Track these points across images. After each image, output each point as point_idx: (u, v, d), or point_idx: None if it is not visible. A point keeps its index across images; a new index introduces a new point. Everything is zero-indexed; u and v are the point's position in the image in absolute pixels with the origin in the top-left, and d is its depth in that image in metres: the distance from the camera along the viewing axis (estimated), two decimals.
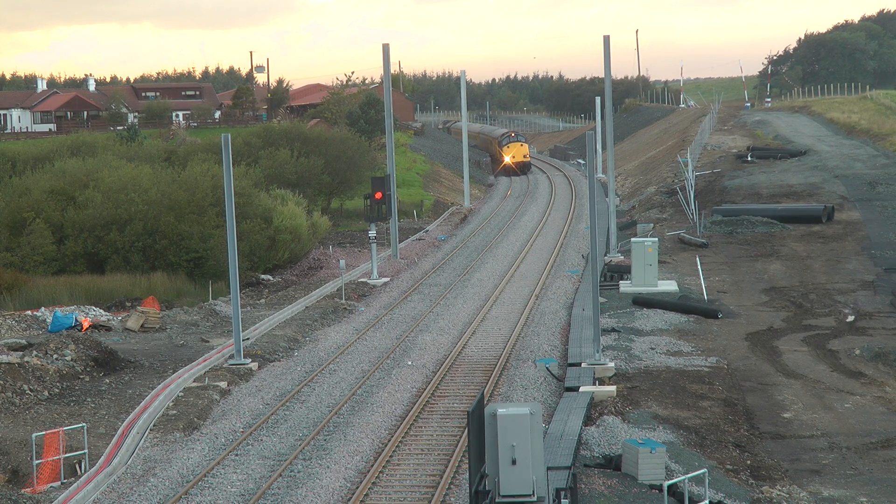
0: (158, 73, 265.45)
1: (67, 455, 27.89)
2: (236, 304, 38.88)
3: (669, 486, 23.88)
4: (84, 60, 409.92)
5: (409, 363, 38.05)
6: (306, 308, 49.15)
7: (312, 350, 41.19)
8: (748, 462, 28.28)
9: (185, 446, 29.72)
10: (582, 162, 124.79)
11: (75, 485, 26.80)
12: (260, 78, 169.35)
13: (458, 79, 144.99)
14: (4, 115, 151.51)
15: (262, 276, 59.45)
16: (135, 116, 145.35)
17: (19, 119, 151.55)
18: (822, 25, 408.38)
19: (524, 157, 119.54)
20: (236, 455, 28.96)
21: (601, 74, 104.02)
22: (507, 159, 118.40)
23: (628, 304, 46.94)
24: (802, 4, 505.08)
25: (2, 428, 30.27)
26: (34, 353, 36.18)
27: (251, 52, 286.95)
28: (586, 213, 77.68)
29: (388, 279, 56.68)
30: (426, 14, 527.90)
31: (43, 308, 48.00)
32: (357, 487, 26.16)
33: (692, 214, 66.83)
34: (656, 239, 53.17)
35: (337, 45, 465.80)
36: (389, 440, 29.65)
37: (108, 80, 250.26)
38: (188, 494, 26.13)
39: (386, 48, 65.14)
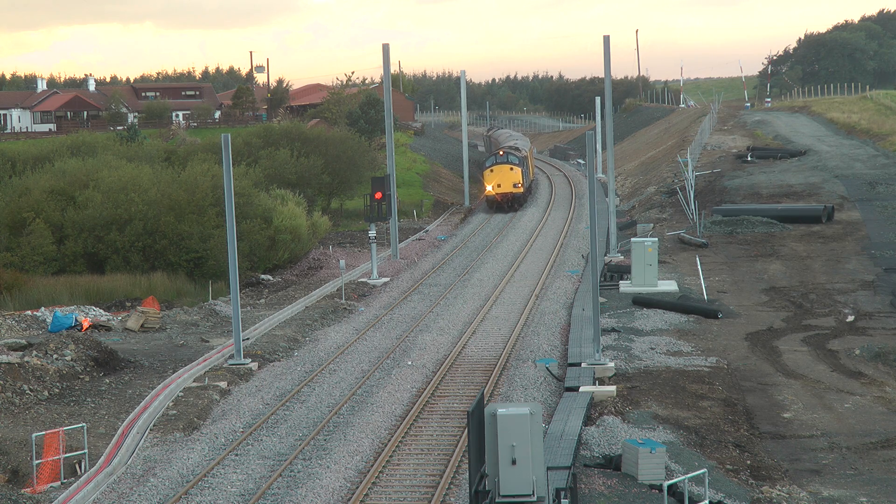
0: (158, 73, 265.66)
1: (67, 455, 27.89)
2: (236, 304, 38.89)
3: (669, 486, 23.88)
4: (85, 60, 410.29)
5: (409, 363, 38.05)
6: (306, 308, 49.16)
7: (312, 350, 41.20)
8: (748, 462, 28.28)
9: (185, 446, 29.72)
10: (582, 162, 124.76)
11: (75, 485, 26.81)
12: (260, 78, 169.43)
13: (458, 79, 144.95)
14: (4, 115, 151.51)
15: (262, 276, 59.44)
16: (135, 116, 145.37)
17: (19, 119, 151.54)
18: (822, 25, 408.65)
19: (514, 186, 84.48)
20: (236, 455, 28.97)
21: (601, 74, 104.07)
22: (489, 188, 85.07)
23: (628, 304, 46.95)
24: (802, 4, 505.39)
25: (2, 428, 30.27)
26: (34, 353, 36.18)
27: (251, 52, 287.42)
28: (586, 213, 77.67)
29: (388, 279, 56.69)
30: (426, 14, 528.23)
31: (43, 308, 48.01)
32: (357, 487, 26.17)
33: (692, 214, 66.84)
34: (656, 239, 53.18)
35: (337, 45, 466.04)
36: (389, 440, 29.65)
37: (108, 80, 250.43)
38: (188, 494, 26.14)
39: (386, 48, 65.17)
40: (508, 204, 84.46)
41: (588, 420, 30.38)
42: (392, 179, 62.39)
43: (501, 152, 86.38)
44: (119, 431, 30.73)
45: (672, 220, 70.23)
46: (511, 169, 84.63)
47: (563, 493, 22.22)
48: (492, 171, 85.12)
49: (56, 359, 35.98)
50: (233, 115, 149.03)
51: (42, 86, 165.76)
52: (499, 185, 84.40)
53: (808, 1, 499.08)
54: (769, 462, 28.60)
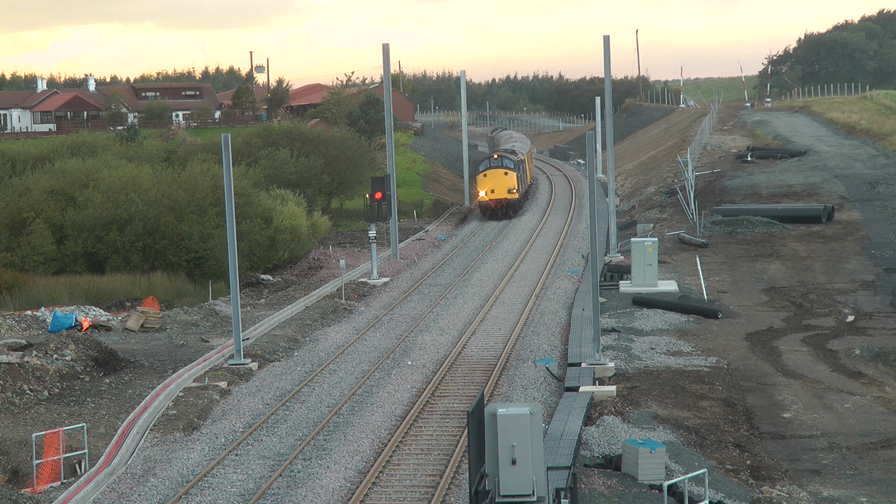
0: (158, 73, 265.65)
1: (67, 455, 27.89)
2: (236, 304, 38.88)
3: (669, 486, 23.88)
4: (85, 60, 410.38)
5: (409, 363, 38.05)
6: (306, 308, 49.16)
7: (312, 350, 41.19)
8: (748, 462, 28.28)
9: (184, 446, 29.72)
10: (582, 162, 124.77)
11: (75, 485, 26.81)
12: (260, 78, 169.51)
13: (458, 79, 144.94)
14: (4, 115, 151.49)
15: (262, 276, 59.45)
16: (135, 116, 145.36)
17: (19, 119, 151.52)
18: (822, 25, 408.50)
19: (509, 192, 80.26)
20: (236, 455, 28.96)
21: (601, 74, 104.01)
22: (482, 194, 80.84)
23: (628, 304, 46.95)
24: (802, 4, 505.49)
25: (2, 428, 30.27)
26: (34, 353, 36.18)
27: (251, 52, 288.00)
28: (586, 213, 77.67)
29: (388, 279, 56.69)
30: (426, 14, 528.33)
31: (43, 308, 48.01)
32: (357, 487, 26.17)
33: (692, 214, 66.84)
34: (656, 239, 53.18)
35: (337, 45, 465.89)
36: (389, 440, 29.65)
37: (108, 80, 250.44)
38: (188, 494, 26.14)
39: (386, 48, 65.17)
40: (503, 211, 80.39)
41: (588, 420, 30.37)
42: (392, 179, 62.39)
43: (496, 156, 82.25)
44: (119, 431, 30.73)
45: (672, 220, 70.23)
46: (505, 173, 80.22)
47: (563, 493, 22.21)
48: (485, 175, 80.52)
49: (56, 359, 35.98)
50: (233, 115, 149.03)
51: (42, 86, 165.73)
52: (492, 191, 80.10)
53: (808, 1, 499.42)
54: (769, 462, 28.59)
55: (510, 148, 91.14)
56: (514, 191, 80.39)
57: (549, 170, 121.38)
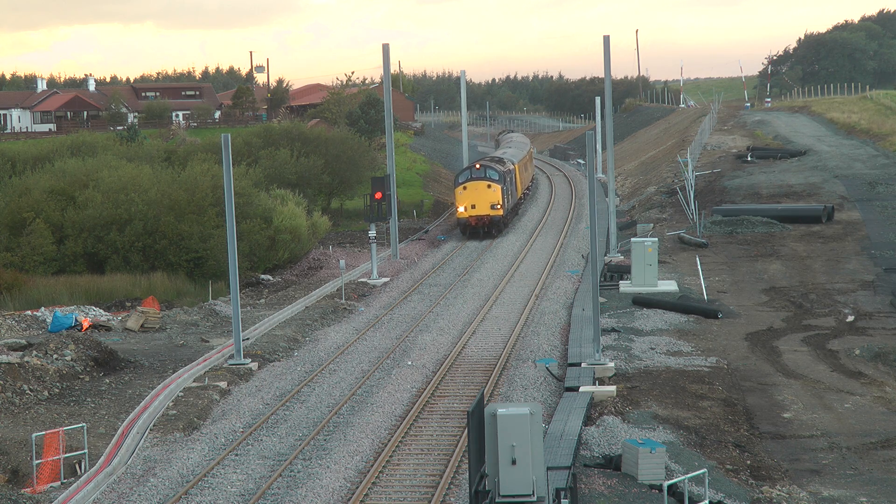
0: (158, 73, 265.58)
1: (67, 455, 27.89)
2: (236, 304, 38.88)
3: (669, 486, 23.88)
4: (85, 60, 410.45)
5: (409, 363, 38.06)
6: (306, 308, 49.17)
7: (312, 350, 41.20)
8: (748, 462, 28.28)
9: (184, 446, 29.72)
10: (582, 162, 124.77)
11: (75, 485, 26.81)
12: (260, 78, 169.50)
13: (458, 79, 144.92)
14: (4, 115, 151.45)
15: (262, 276, 59.47)
16: (135, 116, 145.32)
17: (19, 119, 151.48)
18: (822, 25, 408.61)
19: (492, 207, 70.17)
20: (236, 455, 28.97)
21: (601, 74, 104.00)
22: (461, 209, 70.66)
23: (628, 304, 46.95)
24: (802, 4, 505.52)
25: (2, 428, 30.27)
26: (34, 353, 36.18)
27: (251, 52, 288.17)
28: (586, 213, 77.66)
29: (388, 279, 56.70)
30: (426, 14, 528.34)
31: (43, 308, 48.03)
32: (357, 487, 26.17)
33: (692, 214, 66.85)
34: (656, 239, 53.18)
35: (338, 45, 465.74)
36: (389, 440, 29.66)
37: (108, 80, 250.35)
38: (188, 494, 26.14)
39: (386, 48, 65.17)
40: (485, 229, 70.36)
41: (588, 420, 30.38)
42: (392, 179, 62.41)
43: (478, 165, 72.10)
44: (119, 431, 30.73)
45: (672, 220, 70.23)
46: (489, 186, 70.33)
47: (563, 493, 22.21)
48: (465, 188, 70.51)
49: (56, 359, 35.98)
50: (233, 115, 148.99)
51: (42, 86, 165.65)
52: (473, 206, 70.17)
53: (808, 1, 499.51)
54: (769, 462, 28.60)
55: (497, 156, 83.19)
56: (499, 206, 70.58)
57: (550, 170, 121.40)
